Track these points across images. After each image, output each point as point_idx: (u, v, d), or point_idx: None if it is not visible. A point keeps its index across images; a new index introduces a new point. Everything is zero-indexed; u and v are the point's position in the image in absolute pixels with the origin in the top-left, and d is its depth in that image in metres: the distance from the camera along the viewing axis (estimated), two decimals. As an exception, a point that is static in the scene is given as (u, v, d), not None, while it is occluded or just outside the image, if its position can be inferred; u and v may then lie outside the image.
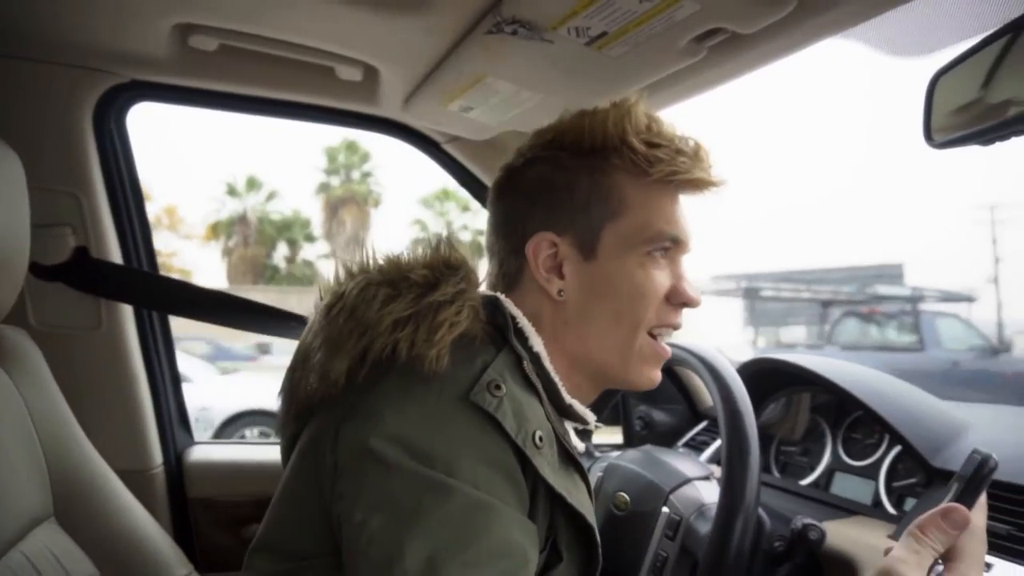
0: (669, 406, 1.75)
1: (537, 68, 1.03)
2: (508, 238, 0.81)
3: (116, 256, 1.30)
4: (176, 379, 1.47)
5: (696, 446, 1.60)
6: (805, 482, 1.35)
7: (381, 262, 0.74)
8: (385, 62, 1.19)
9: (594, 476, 1.25)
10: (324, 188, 29.39)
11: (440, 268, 0.72)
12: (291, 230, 29.18)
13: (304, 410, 0.73)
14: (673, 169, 0.75)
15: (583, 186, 0.78)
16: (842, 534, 1.06)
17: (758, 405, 1.47)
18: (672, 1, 0.81)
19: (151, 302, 1.34)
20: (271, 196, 29.00)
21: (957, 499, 0.63)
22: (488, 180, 1.51)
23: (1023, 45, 0.71)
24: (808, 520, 0.99)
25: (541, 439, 0.66)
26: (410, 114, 1.33)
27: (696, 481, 1.10)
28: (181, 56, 1.19)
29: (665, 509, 1.07)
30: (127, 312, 1.34)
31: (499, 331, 0.73)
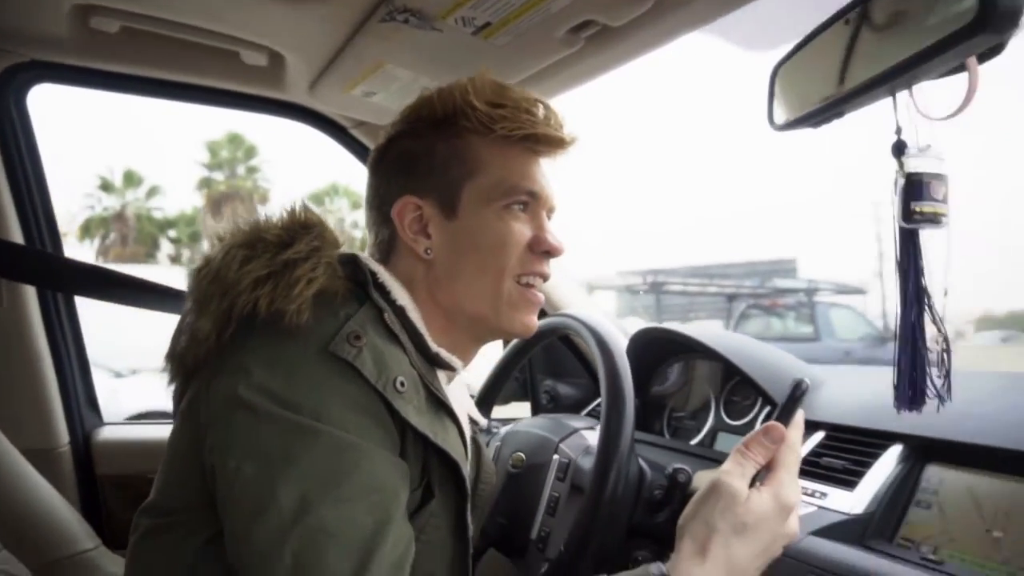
0: (574, 380, 1.85)
1: (430, 56, 1.10)
2: (379, 208, 0.87)
3: (17, 236, 1.30)
4: (83, 360, 1.47)
5: (599, 415, 1.70)
6: (693, 442, 1.47)
7: (244, 227, 0.78)
8: (289, 48, 1.23)
9: (493, 446, 1.33)
10: (206, 184, 28.14)
11: (295, 228, 0.77)
12: (176, 227, 27.90)
13: (183, 371, 0.77)
14: (517, 125, 0.82)
15: (440, 151, 0.84)
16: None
17: (651, 371, 1.60)
18: (545, -6, 0.89)
19: (54, 283, 1.34)
20: (152, 192, 27.41)
21: (776, 419, 0.74)
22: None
23: (842, 34, 0.81)
24: (678, 465, 1.10)
25: (403, 384, 0.71)
26: (316, 99, 1.37)
27: (583, 431, 1.20)
28: (82, 37, 1.20)
29: (556, 456, 1.16)
30: (30, 292, 1.34)
31: (361, 287, 0.77)
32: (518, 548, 1.21)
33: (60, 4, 1.11)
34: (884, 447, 1.00)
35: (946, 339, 0.74)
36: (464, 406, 1.00)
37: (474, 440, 0.98)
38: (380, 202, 0.87)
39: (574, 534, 0.99)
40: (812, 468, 1.07)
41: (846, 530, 0.92)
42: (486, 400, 1.44)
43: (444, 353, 0.81)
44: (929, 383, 0.75)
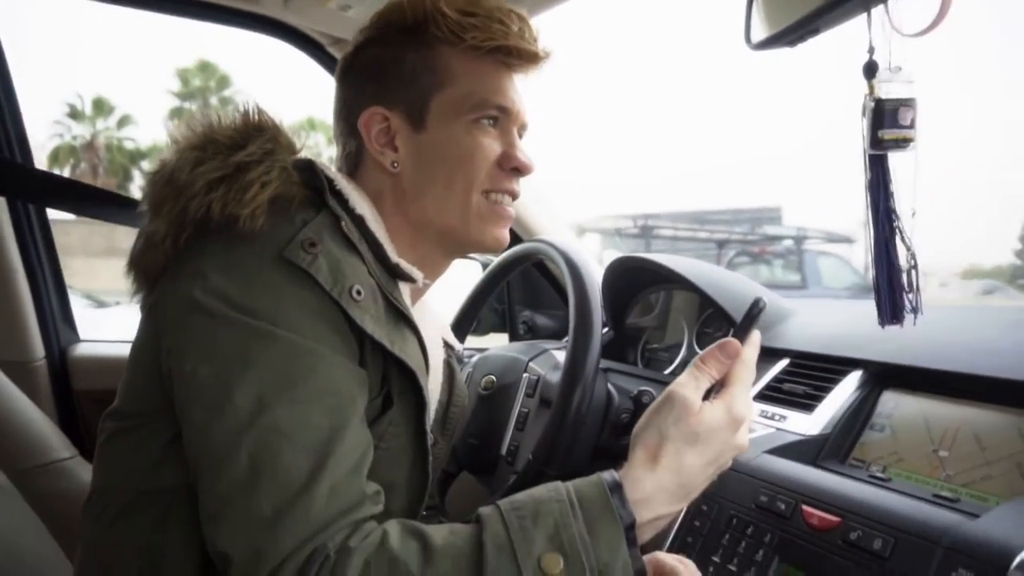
0: (552, 311, 1.87)
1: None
2: (347, 119, 0.85)
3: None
4: (58, 276, 1.47)
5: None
6: (666, 372, 1.50)
7: (197, 129, 0.75)
8: (262, -44, 1.19)
9: (466, 372, 1.35)
10: (178, 114, 27.27)
11: (248, 131, 0.75)
12: (149, 158, 27.47)
13: (145, 279, 0.76)
14: (488, 35, 0.80)
15: (409, 60, 0.82)
16: (679, 405, 1.20)
17: (626, 301, 1.61)
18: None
19: (23, 194, 1.32)
20: (123, 121, 26.77)
21: (733, 336, 0.76)
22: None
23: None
24: (643, 387, 1.12)
25: (359, 292, 0.71)
26: (291, 13, 1.34)
27: (553, 350, 1.22)
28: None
29: (526, 375, 1.18)
30: (0, 206, 1.32)
31: (318, 194, 0.76)
32: (488, 466, 1.24)
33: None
34: (844, 373, 1.03)
35: (914, 256, 0.74)
36: (437, 327, 1.00)
37: (447, 363, 0.99)
38: (347, 113, 0.86)
39: (541, 443, 1.01)
40: (774, 393, 1.09)
41: (800, 450, 0.95)
42: (461, 327, 1.45)
43: (404, 264, 0.80)
44: (906, 298, 0.76)
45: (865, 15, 0.75)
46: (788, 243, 12.64)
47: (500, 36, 0.81)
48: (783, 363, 1.15)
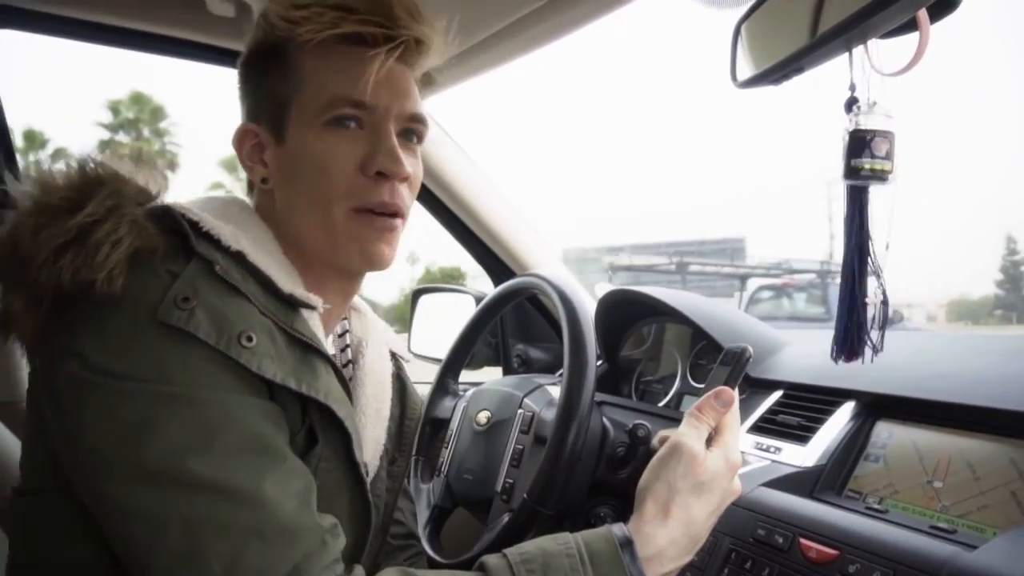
0: (545, 344, 1.87)
1: (398, 7, 1.09)
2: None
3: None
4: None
5: (567, 379, 1.72)
6: (660, 404, 1.50)
7: (32, 190, 0.68)
8: (257, -2, 1.21)
9: (460, 407, 1.34)
10: (107, 146, 27.09)
11: (87, 187, 0.67)
12: None
13: (19, 342, 0.70)
14: (320, 25, 0.72)
15: (266, 67, 0.77)
16: (674, 438, 1.20)
17: (619, 334, 1.61)
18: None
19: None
20: (58, 154, 26.59)
21: (724, 383, 0.77)
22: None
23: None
24: (638, 421, 1.12)
25: (250, 338, 0.65)
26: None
27: (547, 386, 1.22)
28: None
29: (520, 411, 1.18)
30: None
31: (186, 239, 0.68)
32: (483, 502, 1.22)
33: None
34: (837, 404, 1.03)
35: (884, 292, 0.75)
36: (382, 341, 0.97)
37: (397, 376, 0.97)
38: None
39: (536, 482, 1.01)
40: (768, 425, 1.09)
41: (796, 482, 0.95)
42: (454, 363, 1.45)
43: (299, 293, 0.73)
44: (866, 334, 0.77)
45: (847, 55, 0.77)
46: (811, 276, 12.71)
47: (334, 23, 0.72)
48: (777, 395, 1.15)
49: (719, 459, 0.73)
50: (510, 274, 1.67)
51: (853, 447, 0.97)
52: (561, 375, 1.60)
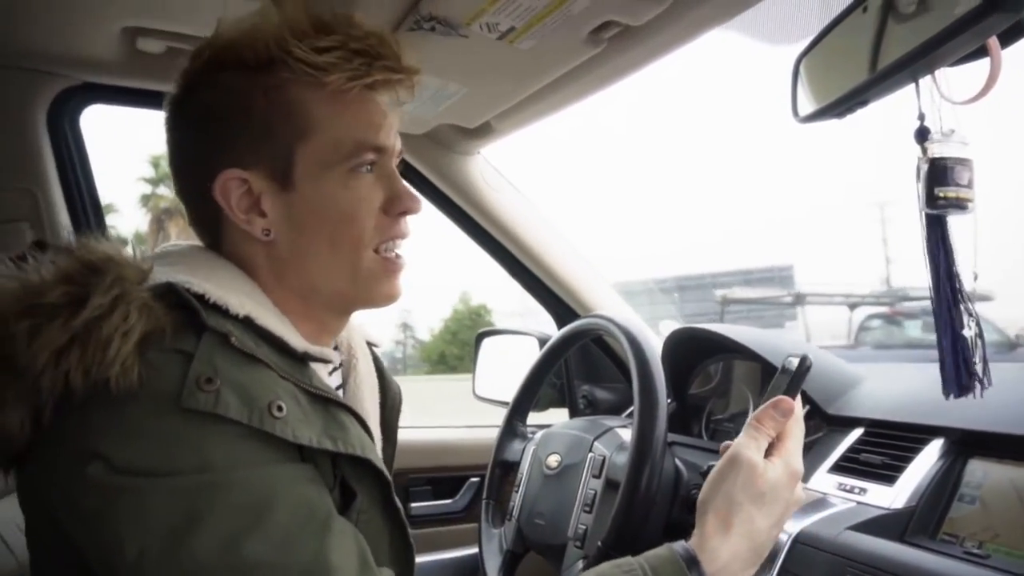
0: (611, 384, 1.85)
1: (458, 62, 1.13)
2: (192, 182, 0.73)
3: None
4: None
5: (635, 418, 1.70)
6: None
7: (13, 287, 0.61)
8: (323, 61, 1.27)
9: (529, 449, 1.34)
10: (147, 200, 27.75)
11: (84, 278, 0.61)
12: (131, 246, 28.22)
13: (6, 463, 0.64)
14: (351, 74, 0.68)
15: (259, 108, 0.69)
16: (750, 479, 1.17)
17: (687, 373, 1.59)
18: (565, -3, 0.91)
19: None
20: (107, 209, 27.86)
21: (784, 393, 0.75)
22: (428, 174, 1.60)
23: (862, 22, 0.81)
24: (712, 463, 1.09)
25: (280, 407, 0.61)
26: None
27: (617, 428, 1.20)
28: (130, 59, 1.26)
29: (591, 454, 1.17)
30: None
31: (192, 313, 0.63)
32: (556, 548, 1.21)
33: (109, 28, 1.17)
34: (925, 442, 0.99)
35: (978, 324, 0.73)
36: (360, 334, 0.92)
37: (375, 360, 0.92)
38: (192, 173, 0.73)
39: (611, 528, 0.99)
40: (851, 464, 1.05)
41: (886, 525, 0.90)
42: (521, 407, 1.45)
43: (313, 349, 0.71)
44: (974, 367, 0.74)
45: (913, 85, 0.76)
46: (924, 303, 12.30)
47: (364, 71, 0.69)
48: (857, 432, 1.11)
49: (779, 469, 0.71)
50: (573, 315, 1.67)
51: (945, 487, 0.93)
52: (629, 416, 1.58)
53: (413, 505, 1.71)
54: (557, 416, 1.88)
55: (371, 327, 0.95)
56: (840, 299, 14.57)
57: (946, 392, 0.77)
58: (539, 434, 1.39)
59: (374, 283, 0.75)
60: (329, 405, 0.68)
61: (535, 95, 1.26)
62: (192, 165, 0.73)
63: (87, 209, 1.42)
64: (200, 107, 0.71)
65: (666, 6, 0.93)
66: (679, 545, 0.68)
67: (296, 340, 0.70)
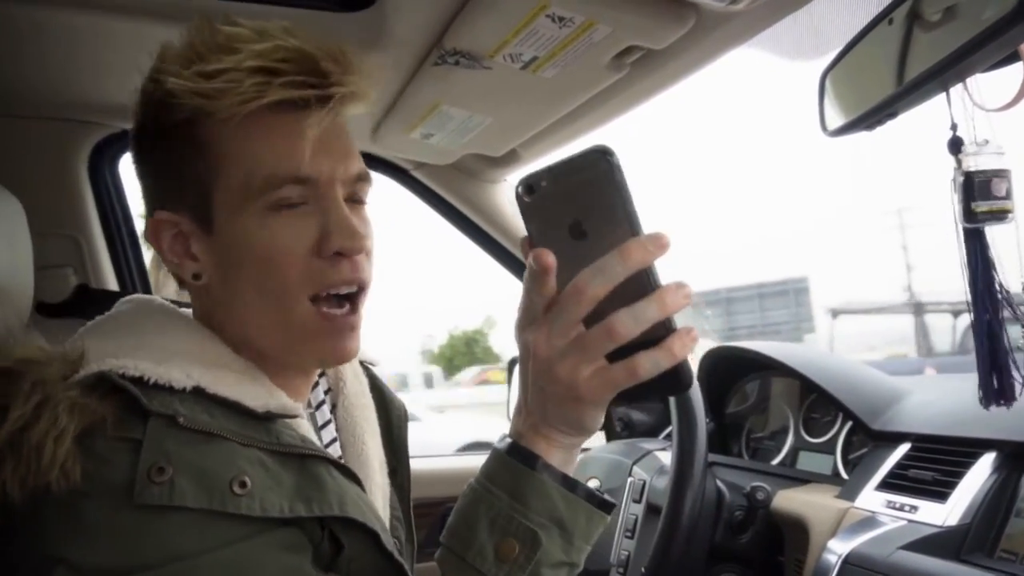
0: (648, 406, 1.84)
1: (483, 93, 1.15)
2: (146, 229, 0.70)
3: (113, 286, 1.41)
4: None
5: (673, 440, 1.68)
6: (774, 463, 1.43)
7: None
8: (351, 98, 1.30)
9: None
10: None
11: (1, 388, 0.57)
12: None
13: None
14: (241, 97, 0.60)
15: (174, 148, 0.65)
16: (796, 499, 1.15)
17: (724, 392, 1.57)
18: (587, 25, 0.92)
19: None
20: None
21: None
22: (456, 202, 1.62)
23: (888, 34, 0.81)
24: (756, 483, 1.08)
25: (243, 483, 0.57)
26: (378, 145, 1.44)
27: (656, 452, 1.19)
28: (166, 106, 1.30)
29: (631, 479, 1.16)
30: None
31: (134, 399, 0.58)
32: (599, 574, 1.20)
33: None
34: (976, 456, 0.96)
35: (1024, 333, 0.71)
36: (345, 368, 0.84)
37: (373, 385, 0.87)
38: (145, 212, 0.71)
39: (654, 554, 0.98)
40: (899, 481, 1.03)
41: (940, 544, 0.88)
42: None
43: (275, 406, 0.64)
44: (1015, 377, 0.73)
45: (944, 95, 0.76)
46: None
47: (258, 92, 0.61)
48: (904, 448, 1.08)
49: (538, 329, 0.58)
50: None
51: (1000, 502, 0.90)
52: (667, 437, 1.57)
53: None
54: (593, 439, 1.87)
55: (374, 346, 0.90)
56: (947, 306, 14.23)
57: (985, 403, 0.76)
58: (576, 458, 1.38)
59: (312, 340, 0.67)
60: (304, 460, 0.63)
61: (559, 121, 1.27)
62: (145, 208, 0.70)
63: (128, 252, 1.46)
64: (134, 151, 0.69)
65: (688, 29, 0.93)
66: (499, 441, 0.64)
67: (256, 399, 0.63)
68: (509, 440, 0.62)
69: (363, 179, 0.69)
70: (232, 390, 0.62)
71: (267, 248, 0.64)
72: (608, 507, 0.62)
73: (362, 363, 0.86)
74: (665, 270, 0.55)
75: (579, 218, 0.53)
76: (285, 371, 0.70)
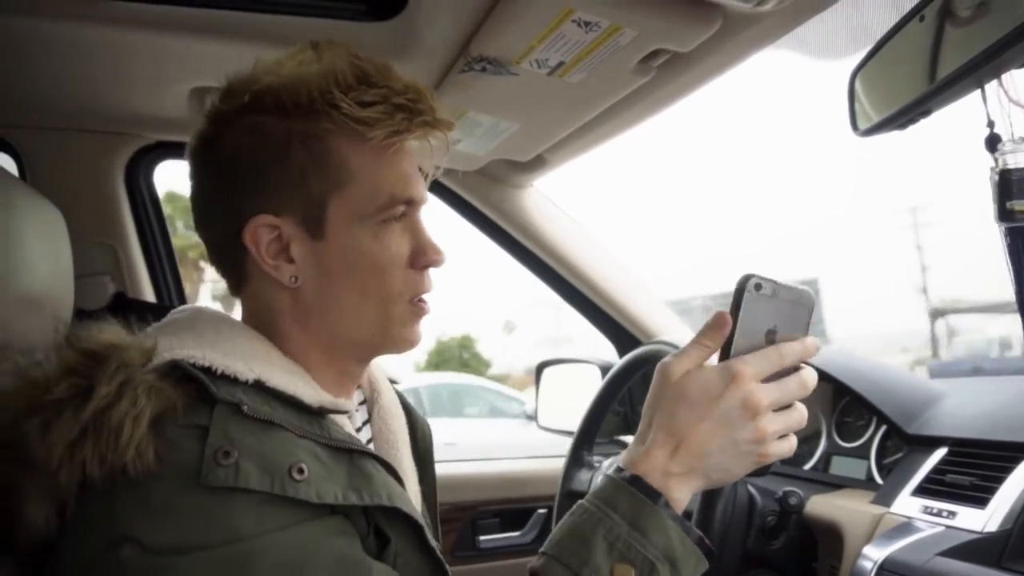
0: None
1: (509, 99, 1.15)
2: (220, 226, 0.73)
3: (149, 296, 1.44)
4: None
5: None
6: (806, 467, 1.41)
7: (16, 383, 0.61)
8: (379, 107, 1.31)
9: (598, 478, 1.33)
10: None
11: (86, 368, 0.61)
12: None
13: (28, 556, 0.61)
14: (393, 129, 0.68)
15: (296, 156, 0.69)
16: (830, 504, 1.13)
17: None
18: (613, 29, 0.92)
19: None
20: None
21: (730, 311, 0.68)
22: (483, 208, 1.63)
23: (920, 31, 0.80)
24: (788, 488, 1.07)
25: (301, 470, 0.61)
26: (404, 150, 1.45)
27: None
28: (200, 117, 1.33)
29: None
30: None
31: (203, 387, 0.62)
32: (628, 580, 1.19)
33: (180, 90, 1.25)
34: (1016, 460, 0.94)
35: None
36: (383, 373, 0.90)
37: (401, 399, 0.91)
38: (221, 217, 0.73)
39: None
40: (936, 486, 1.01)
41: (980, 550, 0.86)
42: (587, 436, 1.44)
43: (327, 402, 0.69)
44: None
45: (979, 91, 0.74)
46: None
47: (405, 127, 0.69)
48: (941, 452, 1.06)
49: (710, 370, 0.66)
50: (634, 342, 1.66)
51: (1043, 508, 0.88)
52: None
53: (481, 538, 1.70)
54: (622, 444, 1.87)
55: (389, 364, 0.92)
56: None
57: None
58: (606, 463, 1.38)
59: (401, 330, 0.75)
60: (352, 455, 0.67)
61: (586, 126, 1.27)
62: (220, 207, 0.72)
63: (163, 260, 1.49)
64: (233, 149, 0.70)
65: (714, 31, 0.93)
66: (612, 471, 0.67)
67: (310, 395, 0.68)
68: (630, 473, 0.66)
69: (425, 201, 0.77)
70: (289, 386, 0.66)
71: (378, 257, 0.71)
72: (711, 556, 0.65)
73: (391, 379, 0.91)
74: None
75: (777, 328, 0.67)
76: (343, 370, 0.76)
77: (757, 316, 0.66)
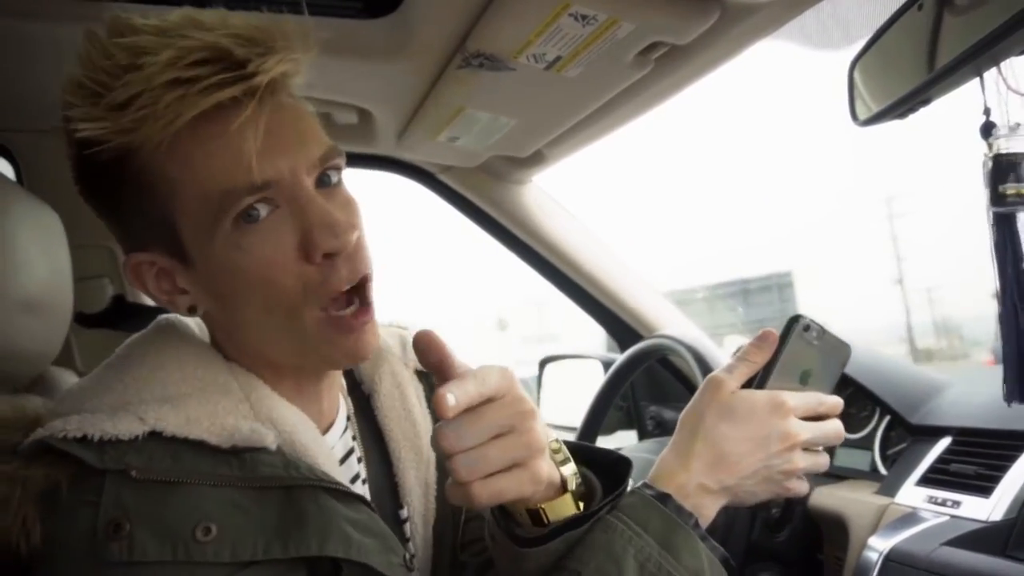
0: (679, 404, 1.82)
1: (507, 95, 1.15)
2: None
3: (148, 300, 1.44)
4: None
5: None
6: (809, 460, 1.41)
7: None
8: (377, 104, 1.31)
9: None
10: None
11: None
12: None
13: None
14: (164, 120, 0.54)
15: (116, 188, 0.60)
16: (834, 495, 1.14)
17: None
18: (610, 22, 0.92)
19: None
20: None
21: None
22: (483, 204, 1.62)
23: (918, 20, 0.79)
24: (793, 480, 1.06)
25: (207, 529, 0.55)
26: (404, 149, 1.45)
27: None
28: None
29: None
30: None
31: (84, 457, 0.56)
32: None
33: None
34: (1020, 449, 0.94)
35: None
36: (397, 366, 0.80)
37: (430, 388, 0.80)
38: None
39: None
40: (940, 476, 1.01)
41: (985, 539, 0.86)
42: (590, 430, 1.44)
43: (240, 440, 0.59)
44: None
45: (978, 79, 0.74)
46: None
47: (177, 110, 0.54)
48: (945, 442, 1.06)
49: (758, 393, 0.67)
50: (636, 336, 1.66)
51: (1048, 496, 0.88)
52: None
53: (484, 536, 1.70)
54: (625, 439, 1.86)
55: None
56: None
57: (1008, 398, 0.74)
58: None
59: (326, 345, 0.63)
60: (291, 492, 0.59)
61: (585, 120, 1.27)
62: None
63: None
64: (83, 197, 0.64)
65: (712, 23, 0.93)
66: (642, 485, 0.65)
67: (221, 434, 0.59)
68: (659, 490, 0.65)
69: (329, 156, 0.62)
70: (195, 429, 0.58)
71: (251, 268, 0.59)
72: (732, 573, 0.65)
73: (418, 372, 0.81)
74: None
75: (813, 371, 0.70)
76: (307, 379, 0.68)
77: (798, 356, 0.69)
